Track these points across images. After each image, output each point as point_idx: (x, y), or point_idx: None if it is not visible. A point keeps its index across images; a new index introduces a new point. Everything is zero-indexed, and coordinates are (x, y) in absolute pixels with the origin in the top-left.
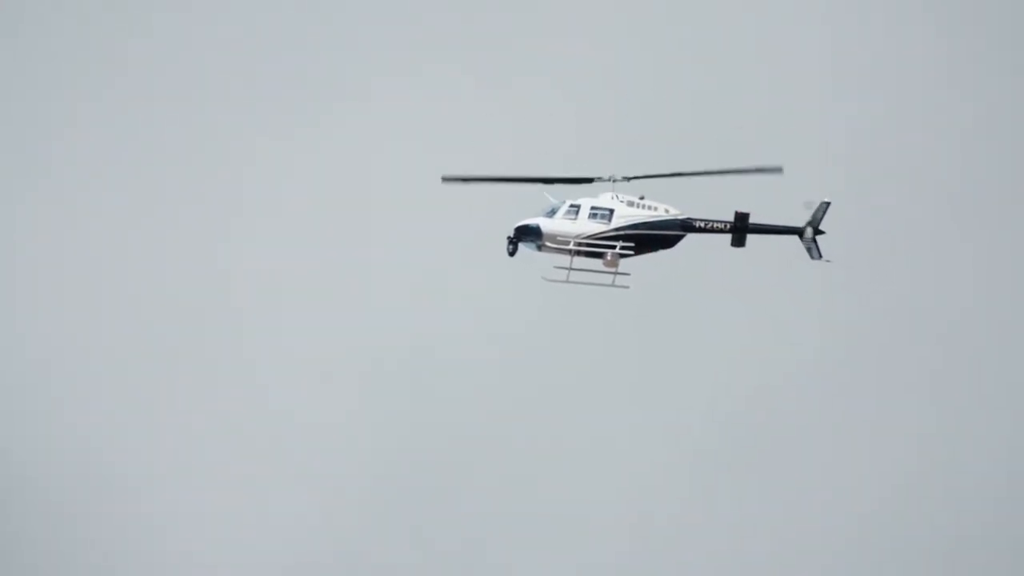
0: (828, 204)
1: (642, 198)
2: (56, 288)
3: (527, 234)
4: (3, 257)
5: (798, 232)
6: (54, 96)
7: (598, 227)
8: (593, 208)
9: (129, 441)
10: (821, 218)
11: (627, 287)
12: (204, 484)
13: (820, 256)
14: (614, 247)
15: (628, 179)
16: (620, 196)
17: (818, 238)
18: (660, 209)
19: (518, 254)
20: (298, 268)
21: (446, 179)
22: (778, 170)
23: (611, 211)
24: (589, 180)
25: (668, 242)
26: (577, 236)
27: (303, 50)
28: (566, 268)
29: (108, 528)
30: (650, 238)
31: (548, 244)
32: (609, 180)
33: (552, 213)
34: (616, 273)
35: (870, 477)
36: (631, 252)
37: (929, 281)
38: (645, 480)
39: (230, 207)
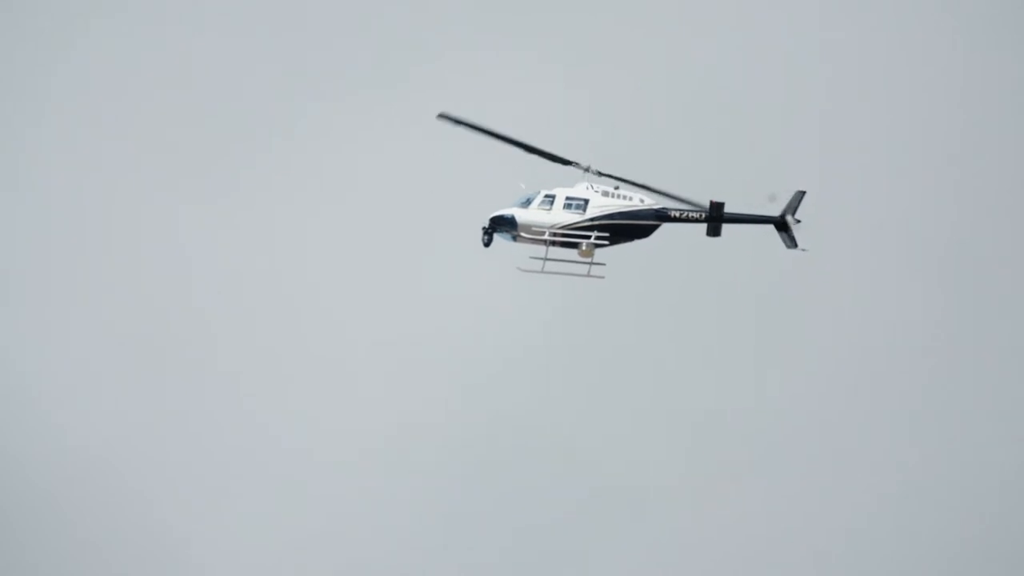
0: (803, 193)
1: (617, 188)
2: (54, 289)
3: (502, 224)
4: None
5: (774, 222)
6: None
7: (573, 217)
8: (568, 198)
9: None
10: (796, 207)
11: (602, 277)
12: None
13: (796, 245)
14: (589, 237)
15: (600, 174)
16: (595, 186)
17: (794, 227)
18: (635, 199)
19: (493, 244)
20: (282, 263)
21: (442, 116)
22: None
23: (586, 201)
24: (567, 162)
25: (643, 232)
26: (552, 226)
27: (297, 46)
28: (541, 258)
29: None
30: (625, 228)
31: (523, 234)
32: (585, 169)
33: (527, 203)
34: (591, 263)
35: (854, 472)
36: (606, 242)
37: (905, 268)
38: (616, 473)
39: (233, 205)
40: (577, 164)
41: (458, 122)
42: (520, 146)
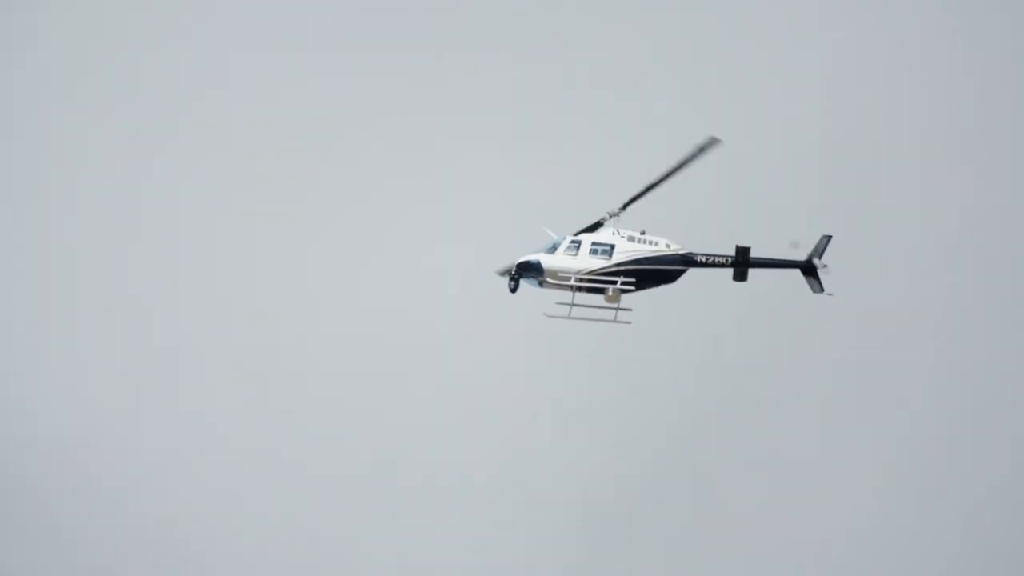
0: (829, 238)
1: (643, 233)
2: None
3: (528, 270)
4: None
5: (800, 266)
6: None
7: (599, 263)
8: (594, 244)
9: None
10: (823, 252)
11: (629, 322)
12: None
13: (822, 290)
14: (615, 282)
15: (623, 207)
16: (621, 231)
17: (820, 272)
18: (661, 244)
19: (520, 290)
20: (292, 304)
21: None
22: (715, 141)
23: (612, 246)
24: (599, 224)
25: (669, 277)
26: (578, 272)
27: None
28: (568, 304)
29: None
30: (651, 273)
31: (549, 280)
32: (609, 216)
33: (553, 249)
34: (618, 308)
35: (875, 514)
36: (632, 288)
37: (931, 316)
38: (643, 517)
39: (275, 243)
40: (603, 219)
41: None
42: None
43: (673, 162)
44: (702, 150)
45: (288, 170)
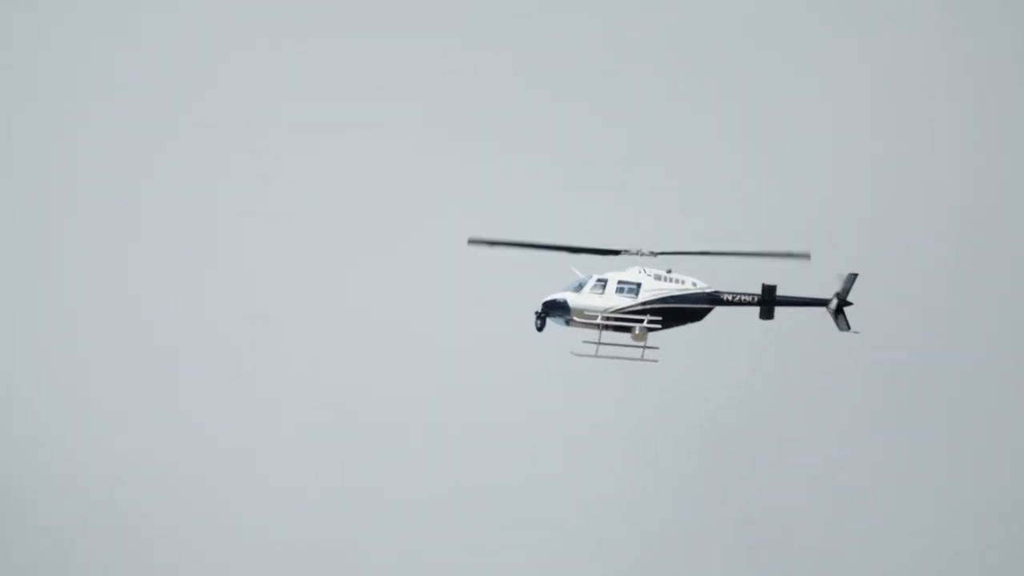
0: (855, 276)
1: (669, 271)
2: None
3: (555, 309)
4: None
5: (826, 304)
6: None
7: (626, 301)
8: (620, 282)
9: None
10: (849, 290)
11: (656, 361)
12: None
13: (848, 328)
14: (642, 321)
15: (655, 254)
16: (647, 270)
17: (846, 309)
18: (687, 283)
19: (546, 329)
20: (315, 343)
21: (472, 241)
22: (805, 256)
23: (638, 285)
24: (616, 252)
25: (696, 315)
26: (605, 310)
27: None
28: (594, 343)
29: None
30: (678, 312)
31: (576, 319)
32: (636, 253)
33: (579, 287)
34: (644, 347)
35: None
36: (659, 326)
37: (957, 352)
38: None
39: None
40: (627, 251)
41: (492, 243)
42: (564, 250)
43: (751, 249)
44: (789, 256)
45: (298, 175)
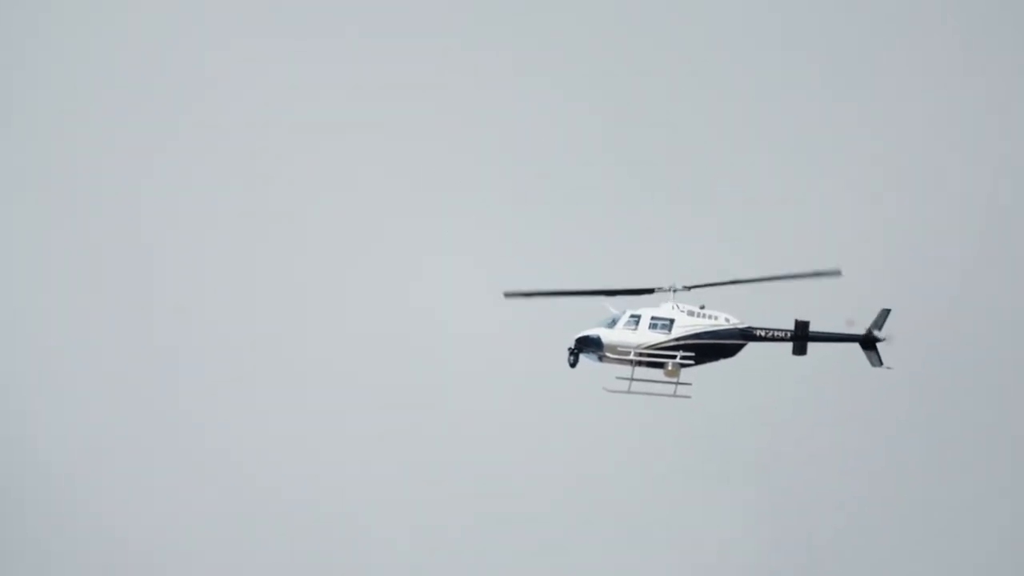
0: (888, 312)
1: (702, 307)
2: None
3: (588, 345)
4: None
5: (859, 340)
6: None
7: (659, 337)
8: (653, 318)
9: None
10: (882, 325)
11: (689, 397)
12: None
13: (881, 363)
14: (675, 357)
15: (688, 288)
16: (680, 306)
17: (879, 345)
18: (720, 318)
19: (579, 365)
20: (351, 379)
21: (508, 295)
22: (836, 273)
23: (671, 321)
24: (650, 291)
25: (729, 351)
26: (638, 346)
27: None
28: (628, 379)
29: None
30: (711, 348)
31: (609, 355)
32: (669, 290)
33: (612, 324)
34: (677, 383)
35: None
36: (691, 362)
37: (992, 387)
38: None
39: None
40: (660, 288)
41: (527, 295)
42: (599, 294)
43: (781, 272)
44: (819, 275)
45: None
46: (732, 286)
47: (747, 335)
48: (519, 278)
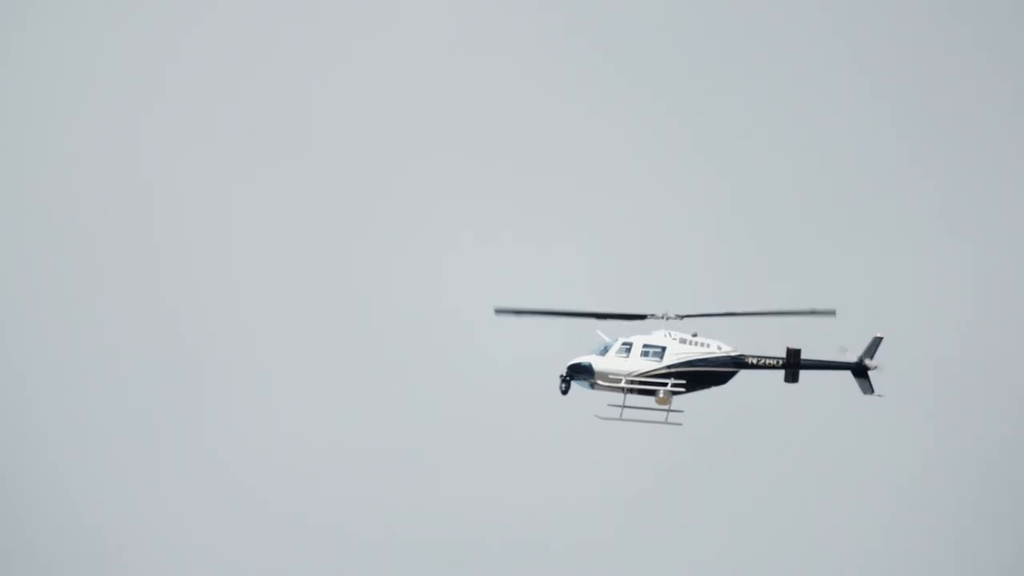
0: (880, 339)
1: (695, 335)
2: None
3: (579, 372)
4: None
5: (851, 368)
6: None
7: (650, 365)
8: (645, 346)
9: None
10: (874, 353)
11: (680, 424)
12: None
13: (872, 391)
14: (666, 384)
15: (681, 317)
16: (672, 333)
17: (871, 373)
18: (712, 346)
19: (571, 392)
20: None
21: (499, 311)
22: (831, 313)
23: (663, 348)
24: (642, 317)
25: (720, 379)
26: (629, 374)
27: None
28: (619, 406)
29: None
30: (702, 375)
31: (600, 382)
32: (662, 317)
33: (604, 351)
34: (669, 410)
35: None
36: (683, 390)
37: (984, 415)
38: None
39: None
40: (652, 315)
41: (518, 312)
42: (589, 316)
43: (775, 308)
44: (813, 313)
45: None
46: (725, 317)
47: (739, 363)
48: (512, 296)
